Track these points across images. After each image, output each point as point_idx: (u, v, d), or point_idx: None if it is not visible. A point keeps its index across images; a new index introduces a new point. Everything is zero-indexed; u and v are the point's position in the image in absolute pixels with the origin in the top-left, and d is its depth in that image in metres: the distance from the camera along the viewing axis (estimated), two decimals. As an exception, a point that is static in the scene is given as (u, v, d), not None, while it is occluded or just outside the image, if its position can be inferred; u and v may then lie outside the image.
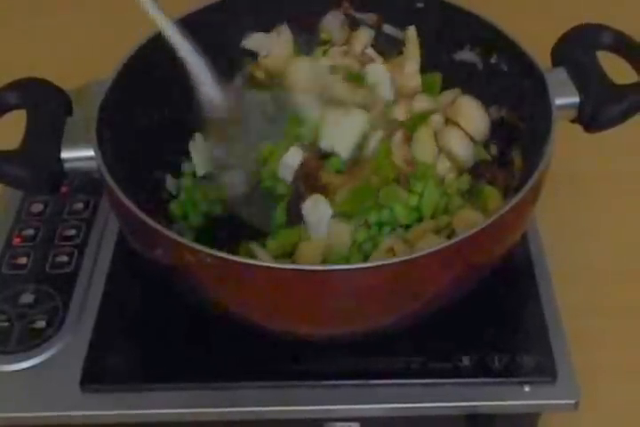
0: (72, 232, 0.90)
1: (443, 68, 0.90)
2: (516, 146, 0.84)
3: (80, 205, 0.93)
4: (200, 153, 0.89)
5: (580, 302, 0.89)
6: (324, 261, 0.78)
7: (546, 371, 0.77)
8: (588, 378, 0.78)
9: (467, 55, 0.87)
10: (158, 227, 0.68)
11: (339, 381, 0.77)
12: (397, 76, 0.88)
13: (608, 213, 1.02)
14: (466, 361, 0.78)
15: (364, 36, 0.92)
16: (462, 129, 0.84)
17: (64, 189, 0.82)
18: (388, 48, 0.92)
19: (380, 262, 0.67)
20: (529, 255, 0.85)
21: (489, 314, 0.81)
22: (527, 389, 0.76)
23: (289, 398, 0.77)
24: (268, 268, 0.67)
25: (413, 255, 0.66)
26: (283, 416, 0.77)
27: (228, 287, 0.70)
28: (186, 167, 0.89)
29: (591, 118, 0.78)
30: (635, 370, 0.89)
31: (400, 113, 0.85)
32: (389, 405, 0.77)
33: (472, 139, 0.85)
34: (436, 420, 0.79)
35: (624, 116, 0.77)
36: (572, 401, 0.75)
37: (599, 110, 0.77)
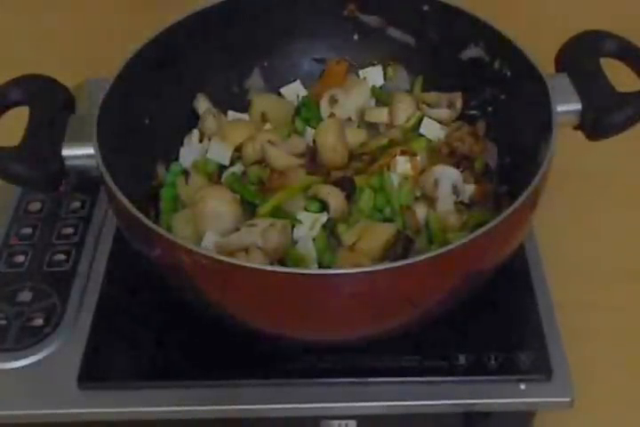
0: (69, 230, 0.90)
1: (448, 71, 0.91)
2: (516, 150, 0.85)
3: (77, 204, 0.93)
4: (191, 147, 0.90)
5: (576, 301, 0.90)
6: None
7: (541, 369, 0.77)
8: (584, 376, 0.78)
9: (473, 51, 0.88)
10: (155, 227, 0.69)
11: (336, 379, 0.78)
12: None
13: (604, 212, 1.02)
14: (462, 359, 0.78)
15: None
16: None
17: (61, 187, 0.83)
18: (392, 52, 0.94)
19: (375, 268, 0.67)
20: (524, 254, 0.86)
21: (484, 312, 0.82)
22: (523, 387, 0.77)
23: (286, 395, 0.77)
24: (263, 271, 0.67)
25: (409, 261, 0.66)
26: (280, 414, 0.78)
27: (222, 288, 0.71)
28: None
29: (593, 126, 0.78)
30: (630, 368, 0.89)
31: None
32: (386, 403, 0.77)
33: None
34: (433, 418, 0.80)
35: (626, 124, 0.78)
36: (568, 399, 0.76)
37: (601, 118, 0.77)
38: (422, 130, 0.89)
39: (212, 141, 0.88)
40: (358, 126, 0.92)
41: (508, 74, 0.85)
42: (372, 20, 0.93)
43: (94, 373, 0.79)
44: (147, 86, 0.83)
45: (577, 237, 1.00)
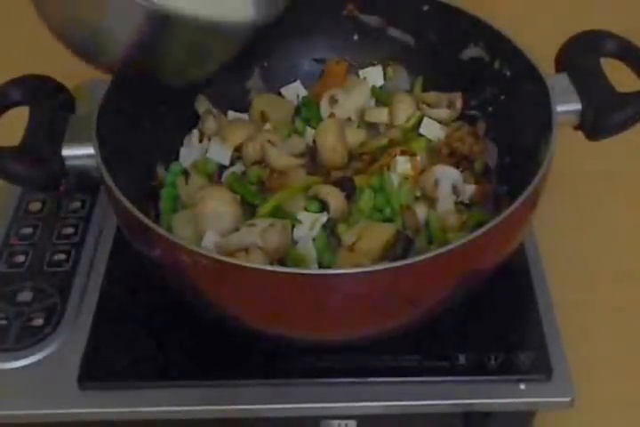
0: (70, 230, 0.90)
1: (448, 71, 0.91)
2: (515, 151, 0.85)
3: (77, 204, 0.93)
4: (191, 147, 0.90)
5: (576, 300, 0.90)
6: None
7: (541, 369, 0.77)
8: (584, 376, 0.78)
9: (473, 51, 0.88)
10: (155, 227, 0.69)
11: (336, 379, 0.78)
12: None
13: (603, 212, 1.03)
14: (462, 359, 0.78)
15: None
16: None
17: (61, 187, 0.83)
18: (393, 52, 0.94)
19: (375, 268, 0.68)
20: (524, 254, 0.86)
21: (484, 312, 0.82)
22: (523, 386, 0.77)
23: (286, 395, 0.77)
24: (263, 271, 0.67)
25: (409, 261, 0.66)
26: (280, 414, 0.78)
27: (222, 289, 0.71)
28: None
29: (593, 126, 0.78)
30: (630, 368, 0.89)
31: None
32: (386, 402, 0.77)
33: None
34: (433, 418, 0.80)
35: (627, 124, 0.78)
36: (568, 399, 0.76)
37: (601, 118, 0.77)
38: (422, 130, 0.89)
39: (212, 141, 0.89)
40: (358, 126, 0.92)
41: (508, 74, 0.85)
42: (371, 19, 0.93)
43: (94, 373, 0.79)
44: (147, 86, 0.83)
45: (577, 237, 1.00)
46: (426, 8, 0.89)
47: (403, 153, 0.86)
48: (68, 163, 0.75)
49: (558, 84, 0.79)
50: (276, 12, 0.79)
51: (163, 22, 0.70)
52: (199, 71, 0.82)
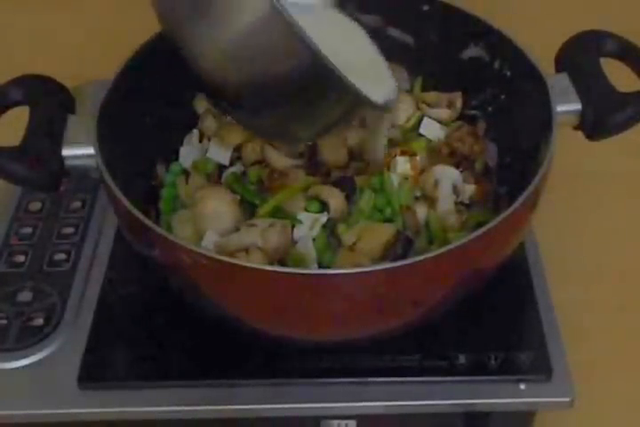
0: (70, 230, 0.90)
1: (448, 71, 0.91)
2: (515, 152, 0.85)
3: (78, 204, 0.93)
4: (191, 146, 0.90)
5: (576, 301, 0.90)
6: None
7: (541, 369, 0.77)
8: (584, 376, 0.78)
9: (473, 51, 0.88)
10: (155, 227, 0.69)
11: (336, 379, 0.78)
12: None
13: (603, 212, 1.03)
14: (462, 359, 0.78)
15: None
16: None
17: (61, 187, 0.83)
18: (392, 52, 0.93)
19: (375, 268, 0.68)
20: (524, 253, 0.86)
21: (484, 312, 0.82)
22: (523, 386, 0.77)
23: (286, 395, 0.77)
24: (263, 271, 0.67)
25: (409, 261, 0.66)
26: (280, 414, 0.78)
27: (222, 288, 0.71)
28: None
29: (593, 126, 0.78)
30: (630, 368, 0.89)
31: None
32: (386, 402, 0.77)
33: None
34: (433, 417, 0.80)
35: (627, 125, 0.78)
36: (568, 399, 0.76)
37: (601, 118, 0.77)
38: (422, 130, 0.89)
39: (212, 141, 0.89)
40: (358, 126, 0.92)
41: (508, 74, 0.85)
42: (371, 19, 0.92)
43: (94, 373, 0.79)
44: (147, 86, 0.83)
45: (577, 237, 1.00)
46: (426, 8, 0.89)
47: (403, 153, 0.86)
48: (67, 163, 0.75)
49: (558, 84, 0.79)
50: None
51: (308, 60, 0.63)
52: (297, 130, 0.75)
